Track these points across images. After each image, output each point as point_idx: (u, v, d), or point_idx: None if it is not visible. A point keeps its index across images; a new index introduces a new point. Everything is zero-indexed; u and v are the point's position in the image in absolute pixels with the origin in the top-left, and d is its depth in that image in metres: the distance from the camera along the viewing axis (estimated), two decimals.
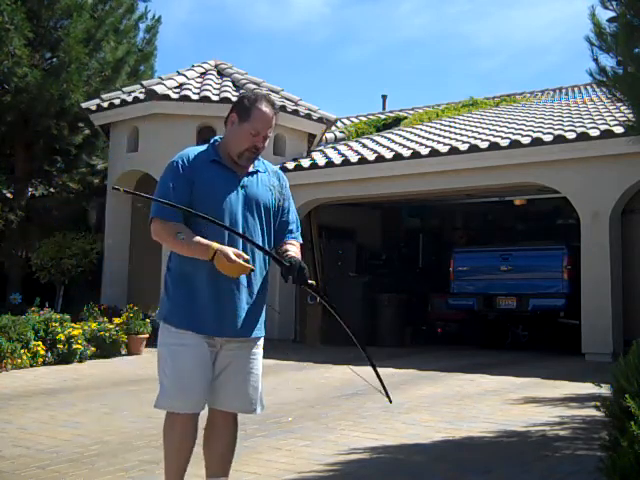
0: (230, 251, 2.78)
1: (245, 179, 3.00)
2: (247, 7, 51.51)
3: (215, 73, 13.30)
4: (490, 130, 12.25)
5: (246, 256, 2.82)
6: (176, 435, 2.93)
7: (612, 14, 5.07)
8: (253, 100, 2.98)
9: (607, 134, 9.47)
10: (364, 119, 16.84)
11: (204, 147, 3.06)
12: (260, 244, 2.95)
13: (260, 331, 3.03)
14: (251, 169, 3.04)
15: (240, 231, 2.92)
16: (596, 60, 5.15)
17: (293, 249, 3.03)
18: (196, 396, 2.90)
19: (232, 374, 2.96)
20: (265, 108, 2.96)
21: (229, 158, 3.00)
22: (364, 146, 12.93)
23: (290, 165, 12.09)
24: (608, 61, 5.21)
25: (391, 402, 3.19)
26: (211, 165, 2.97)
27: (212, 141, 3.08)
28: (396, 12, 52.17)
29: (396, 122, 16.10)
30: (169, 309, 2.97)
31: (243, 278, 2.91)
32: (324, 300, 3.05)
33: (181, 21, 50.59)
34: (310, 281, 2.94)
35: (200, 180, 2.93)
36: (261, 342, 3.07)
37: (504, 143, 10.32)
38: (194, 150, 3.03)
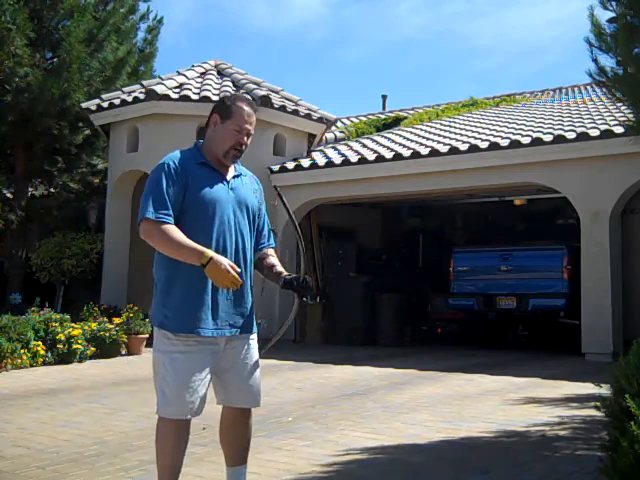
0: (226, 262, 2.83)
1: (232, 181, 3.08)
2: (245, 7, 51.57)
3: (215, 73, 13.29)
4: (490, 130, 12.25)
5: (238, 269, 2.87)
6: (171, 441, 2.95)
7: (612, 14, 5.07)
8: (233, 99, 3.09)
9: (607, 134, 9.47)
10: (364, 119, 16.83)
11: (189, 149, 3.11)
12: (247, 244, 3.07)
13: (255, 327, 3.13)
14: (235, 173, 3.12)
15: (233, 232, 2.99)
16: (595, 61, 5.14)
17: (277, 262, 3.17)
18: (200, 402, 2.95)
19: (238, 371, 3.03)
20: (245, 105, 3.06)
21: (215, 160, 3.06)
22: (364, 146, 12.93)
23: (290, 165, 12.09)
24: (608, 61, 5.20)
25: (262, 351, 3.25)
26: (200, 167, 3.02)
27: (196, 144, 3.13)
28: (394, 12, 52.20)
29: (396, 122, 16.09)
30: (165, 315, 2.95)
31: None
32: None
33: (180, 21, 50.62)
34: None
35: (193, 181, 2.96)
36: (255, 337, 3.15)
37: (504, 143, 10.32)
38: (182, 152, 3.08)
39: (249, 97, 2.90)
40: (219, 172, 3.04)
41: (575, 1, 43.00)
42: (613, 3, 4.98)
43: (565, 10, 47.07)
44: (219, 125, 3.04)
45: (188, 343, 2.91)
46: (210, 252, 2.83)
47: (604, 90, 6.08)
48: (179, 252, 2.87)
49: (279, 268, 3.12)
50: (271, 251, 3.22)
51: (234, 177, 3.09)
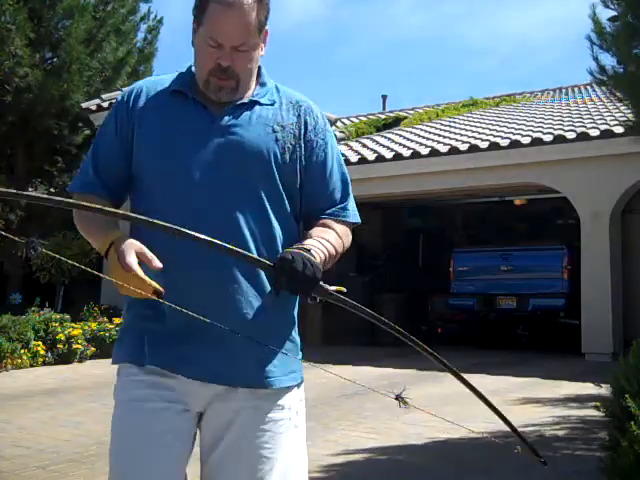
0: (131, 250, 1.55)
1: (227, 117, 1.72)
2: None
3: None
4: (490, 130, 12.25)
5: (158, 264, 1.54)
6: None
7: (613, 13, 5.07)
8: None
9: (607, 134, 9.47)
10: (364, 119, 16.83)
11: (170, 75, 1.83)
12: (250, 224, 1.68)
13: (282, 380, 1.70)
14: (245, 99, 1.74)
15: (203, 203, 1.66)
16: (596, 59, 5.15)
17: (315, 237, 1.75)
18: None
19: (228, 458, 1.65)
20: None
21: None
22: (364, 146, 12.93)
23: None
24: (608, 60, 5.21)
25: (546, 464, 1.86)
26: (170, 99, 1.76)
27: (187, 67, 1.82)
28: (392, 12, 52.27)
29: (396, 122, 16.10)
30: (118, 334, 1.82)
31: (247, 277, 1.67)
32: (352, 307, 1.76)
33: (177, 21, 50.66)
34: (329, 287, 1.67)
35: (146, 124, 1.74)
36: (291, 399, 1.72)
37: (504, 143, 10.32)
38: (151, 80, 1.85)
39: None
40: (202, 105, 1.73)
41: (571, 1, 43.08)
42: (614, 2, 4.98)
43: (560, 10, 47.21)
44: (196, 34, 1.73)
45: (136, 394, 1.66)
46: (116, 235, 1.62)
47: (604, 90, 6.08)
48: (89, 234, 1.75)
49: (298, 244, 1.68)
50: (326, 221, 1.85)
51: (236, 108, 1.73)
